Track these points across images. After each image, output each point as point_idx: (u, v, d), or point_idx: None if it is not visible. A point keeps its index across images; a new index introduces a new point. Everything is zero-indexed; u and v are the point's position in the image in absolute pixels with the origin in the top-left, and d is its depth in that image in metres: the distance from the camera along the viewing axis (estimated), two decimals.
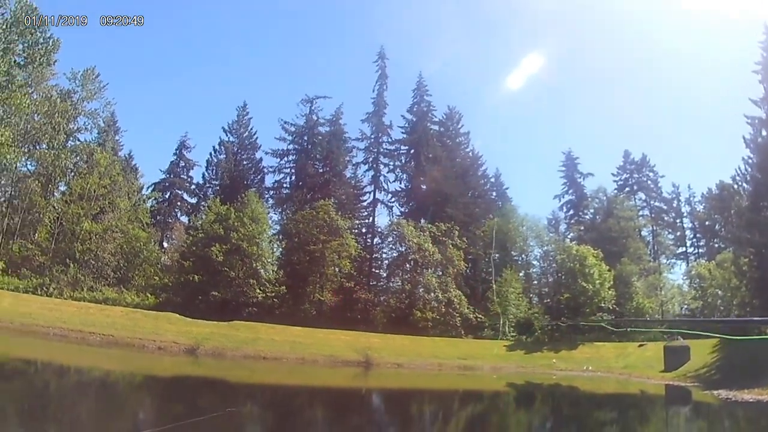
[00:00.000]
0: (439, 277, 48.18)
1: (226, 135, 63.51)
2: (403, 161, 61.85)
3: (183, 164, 64.27)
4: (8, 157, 40.99)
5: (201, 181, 63.82)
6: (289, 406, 18.48)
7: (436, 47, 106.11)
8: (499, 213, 56.35)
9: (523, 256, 55.67)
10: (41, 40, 44.09)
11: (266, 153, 61.75)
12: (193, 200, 63.82)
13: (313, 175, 58.44)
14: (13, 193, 46.01)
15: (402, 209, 60.66)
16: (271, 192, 60.76)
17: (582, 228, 59.14)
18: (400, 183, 61.86)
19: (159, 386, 20.43)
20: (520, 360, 38.55)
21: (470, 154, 64.07)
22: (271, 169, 61.40)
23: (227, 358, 28.97)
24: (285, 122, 60.02)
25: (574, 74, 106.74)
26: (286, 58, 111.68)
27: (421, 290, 47.90)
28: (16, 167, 44.54)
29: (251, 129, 64.18)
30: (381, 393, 25.46)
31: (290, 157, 60.46)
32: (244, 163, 63.03)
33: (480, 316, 46.69)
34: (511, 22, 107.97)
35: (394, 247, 53.35)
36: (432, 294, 46.61)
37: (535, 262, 57.63)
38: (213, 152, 63.38)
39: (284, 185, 61.03)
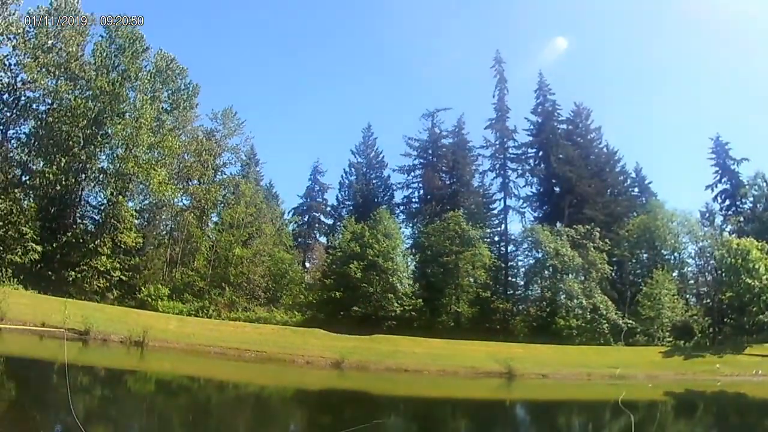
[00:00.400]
0: (581, 282, 45.79)
1: (355, 157, 66.14)
2: (532, 165, 59.68)
3: (318, 188, 67.89)
4: (167, 194, 46.19)
5: (335, 203, 67.08)
6: (433, 417, 18.53)
7: (548, 45, 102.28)
8: (644, 210, 52.34)
9: (675, 254, 50.82)
10: (182, 86, 49.77)
11: (393, 170, 63.23)
12: (330, 221, 67.05)
13: (440, 187, 58.66)
14: (173, 226, 51.57)
15: (535, 214, 58.73)
16: (402, 207, 61.87)
17: (741, 219, 52.71)
18: (531, 187, 59.76)
19: (309, 399, 21.46)
20: (678, 367, 35.23)
21: (604, 150, 60.44)
22: (399, 186, 62.72)
23: (370, 370, 29.69)
24: (409, 138, 61.02)
25: (708, 55, 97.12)
26: (403, 75, 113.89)
27: (562, 297, 45.79)
28: (173, 203, 49.92)
29: (377, 148, 66.20)
30: (526, 404, 24.63)
31: (417, 172, 61.21)
32: (374, 181, 64.99)
33: (630, 321, 43.48)
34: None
35: (530, 254, 51.69)
36: (575, 300, 44.36)
37: (689, 260, 52.22)
38: (344, 174, 66.36)
39: (413, 200, 61.94)
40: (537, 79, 60.60)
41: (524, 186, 59.56)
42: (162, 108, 48.00)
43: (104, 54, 44.34)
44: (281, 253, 50.94)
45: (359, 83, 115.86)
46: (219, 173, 56.24)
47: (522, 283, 52.70)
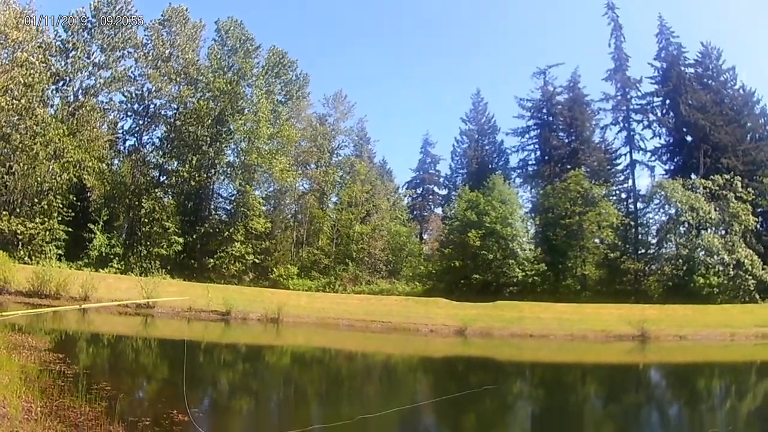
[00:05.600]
0: (722, 237, 42.03)
1: (465, 124, 65.18)
2: (660, 114, 54.73)
3: (429, 160, 68.09)
4: (289, 180, 48.85)
5: (449, 173, 66.87)
6: (560, 382, 18.17)
7: None
8: None
9: None
10: (293, 78, 52.63)
11: (507, 134, 61.36)
12: (444, 192, 67.04)
13: (558, 146, 56.09)
14: (296, 209, 54.48)
15: (666, 167, 54.18)
16: (518, 171, 60.02)
17: None
18: (660, 139, 54.82)
19: (434, 366, 21.93)
20: None
21: (740, 91, 53.79)
22: (513, 149, 60.74)
23: (495, 337, 29.60)
24: (521, 99, 58.70)
25: None
26: (510, 34, 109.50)
27: (701, 254, 42.43)
28: (295, 188, 52.72)
29: (488, 114, 64.68)
30: (662, 367, 23.27)
31: (532, 133, 58.83)
32: (487, 147, 63.71)
33: None
34: None
35: (661, 210, 48.11)
36: (715, 257, 40.96)
37: None
38: (456, 143, 65.76)
39: (529, 162, 59.71)
40: (657, 23, 55.54)
41: (651, 138, 54.87)
42: (277, 100, 50.94)
43: (219, 57, 47.84)
44: (398, 227, 52.07)
45: (463, 50, 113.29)
46: (334, 155, 58.32)
47: (654, 241, 49.16)
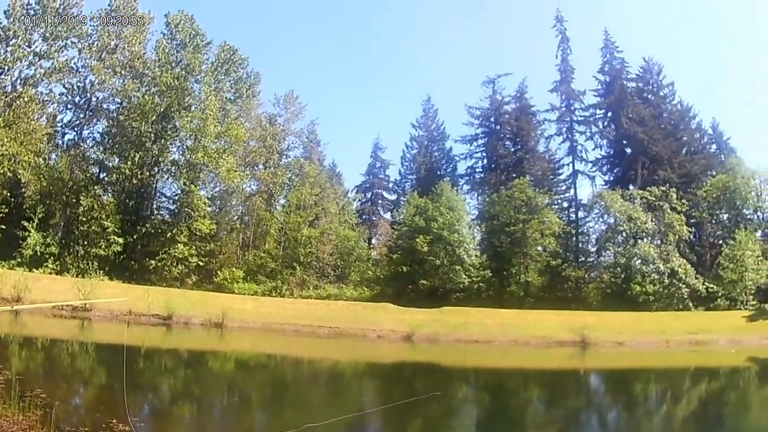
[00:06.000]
0: (658, 246, 43.98)
1: (416, 130, 65.56)
2: (601, 126, 56.80)
3: (379, 165, 68.15)
4: (236, 180, 47.79)
5: (398, 178, 67.16)
6: (503, 387, 18.52)
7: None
8: (723, 168, 49.13)
9: (758, 213, 47.79)
10: (244, 76, 51.65)
11: (456, 141, 62.06)
12: (393, 197, 67.26)
13: (504, 155, 57.34)
14: (243, 211, 53.56)
15: (606, 178, 56.21)
16: (466, 178, 60.84)
17: None
18: (601, 150, 56.90)
19: (381, 372, 21.97)
20: (763, 330, 33.29)
21: (678, 106, 56.66)
22: (462, 156, 61.53)
23: (441, 342, 29.92)
24: (470, 107, 59.69)
25: None
26: (461, 43, 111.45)
27: (637, 262, 44.22)
28: (243, 189, 51.72)
29: (438, 120, 65.29)
30: (601, 373, 24.14)
31: (480, 141, 59.83)
32: (436, 154, 64.36)
33: (711, 285, 41.52)
34: None
35: (601, 220, 49.95)
36: (651, 265, 42.78)
37: None
38: (405, 148, 66.05)
39: (477, 170, 60.67)
40: (602, 37, 57.71)
41: (593, 149, 56.91)
42: (226, 98, 49.58)
43: (167, 51, 46.18)
44: (347, 231, 51.88)
45: (415, 56, 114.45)
46: (284, 157, 57.64)
47: (594, 249, 51.03)
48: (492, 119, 59.50)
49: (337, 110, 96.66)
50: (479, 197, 57.27)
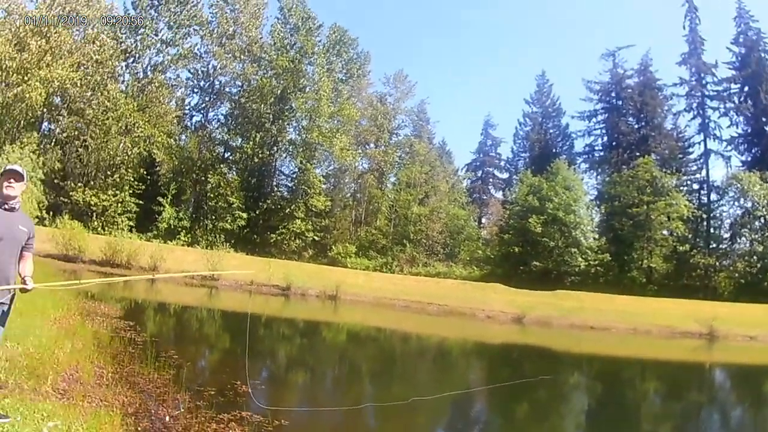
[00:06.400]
0: None
1: (529, 106, 63.46)
2: (737, 102, 51.55)
3: (490, 143, 66.87)
4: (348, 159, 49.27)
5: (510, 156, 65.54)
6: (619, 376, 17.64)
7: None
8: None
9: None
10: (354, 56, 53.17)
11: (572, 117, 59.44)
12: (505, 175, 65.86)
13: (627, 132, 53.87)
14: (356, 188, 55.04)
15: (743, 158, 51.21)
16: (583, 156, 58.25)
17: None
18: (737, 128, 51.86)
19: (489, 352, 21.73)
20: None
21: None
22: (579, 133, 58.89)
23: (553, 326, 28.99)
24: (588, 81, 56.76)
25: None
26: (577, 14, 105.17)
27: None
28: (355, 167, 53.13)
29: (553, 96, 62.70)
30: (729, 368, 22.15)
31: (599, 117, 56.86)
32: (551, 131, 61.95)
33: None
34: None
35: (736, 204, 45.57)
36: None
37: None
38: (518, 125, 64.25)
39: (596, 148, 57.86)
40: (735, 5, 51.91)
41: (728, 126, 52.00)
42: (338, 78, 51.37)
43: (281, 35, 48.56)
44: (457, 210, 51.65)
45: (528, 29, 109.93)
46: (394, 135, 58.38)
47: (727, 236, 46.78)
48: (613, 94, 56.13)
49: (446, 88, 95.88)
50: (598, 177, 54.71)
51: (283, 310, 26.63)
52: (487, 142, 66.99)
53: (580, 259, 42.29)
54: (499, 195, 64.44)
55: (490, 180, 66.97)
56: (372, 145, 56.83)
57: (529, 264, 42.04)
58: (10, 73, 39.56)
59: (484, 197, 65.22)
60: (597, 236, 44.49)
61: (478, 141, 67.28)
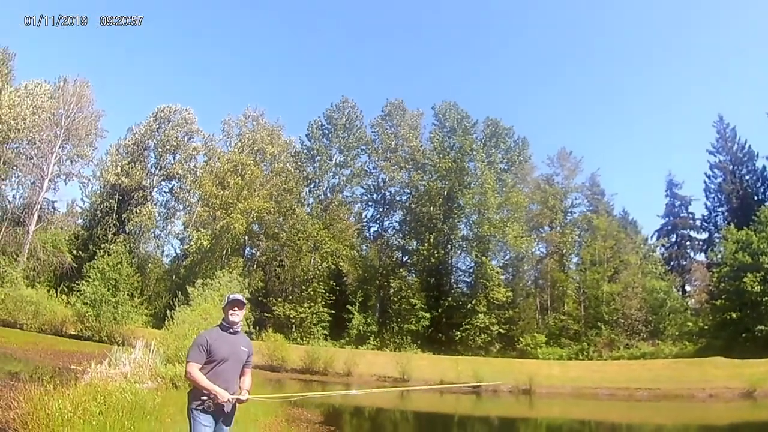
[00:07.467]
0: None
1: (714, 156, 57.35)
2: None
3: (678, 203, 60.93)
4: (524, 246, 48.42)
5: (705, 213, 58.80)
6: None
7: None
8: None
9: None
10: (512, 144, 54.13)
11: None
12: (703, 235, 58.87)
13: None
14: (536, 274, 53.33)
15: None
16: None
17: None
18: None
19: None
20: None
21: None
22: None
23: None
24: None
25: None
26: (750, 46, 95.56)
27: None
28: (532, 253, 51.87)
29: (739, 139, 56.10)
30: None
31: None
32: (747, 177, 54.93)
33: None
34: None
35: None
36: None
37: None
38: (707, 179, 57.91)
39: None
40: None
41: None
42: (500, 169, 52.31)
43: (440, 139, 51.94)
44: (654, 282, 46.91)
45: (693, 74, 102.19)
46: (568, 214, 56.31)
47: None
48: None
49: (616, 155, 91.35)
50: None
51: (475, 409, 25.99)
52: (675, 202, 61.21)
53: None
54: (701, 257, 57.58)
55: (687, 243, 60.31)
56: (547, 228, 55.35)
57: (752, 329, 36.08)
58: (216, 208, 48.01)
59: (684, 263, 58.61)
60: None
61: (665, 203, 61.92)
